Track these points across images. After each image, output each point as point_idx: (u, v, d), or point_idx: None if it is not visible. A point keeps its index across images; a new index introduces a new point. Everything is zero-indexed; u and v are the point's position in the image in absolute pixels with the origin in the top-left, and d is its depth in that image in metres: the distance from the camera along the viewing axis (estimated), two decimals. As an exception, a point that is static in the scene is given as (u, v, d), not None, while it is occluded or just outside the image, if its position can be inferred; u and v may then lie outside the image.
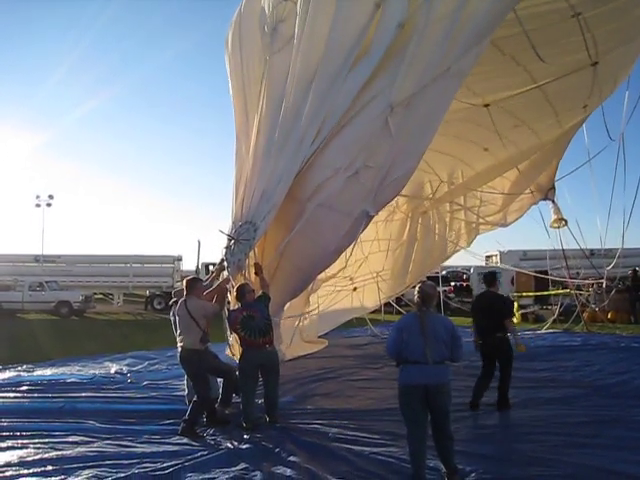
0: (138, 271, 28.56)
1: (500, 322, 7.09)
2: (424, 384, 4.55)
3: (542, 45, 7.32)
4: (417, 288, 4.89)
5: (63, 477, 4.81)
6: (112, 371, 9.83)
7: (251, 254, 7.06)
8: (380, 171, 6.45)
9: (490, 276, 7.65)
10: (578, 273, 16.72)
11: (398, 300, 17.68)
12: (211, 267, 17.55)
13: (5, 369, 9.96)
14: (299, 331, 10.62)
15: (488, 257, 28.23)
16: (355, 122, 6.60)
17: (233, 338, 7.27)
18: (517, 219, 14.59)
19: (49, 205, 37.04)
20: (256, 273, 7.01)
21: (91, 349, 12.70)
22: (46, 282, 24.36)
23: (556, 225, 14.72)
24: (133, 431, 6.21)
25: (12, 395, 7.84)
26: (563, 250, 15.17)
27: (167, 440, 5.89)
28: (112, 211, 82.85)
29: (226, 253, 7.11)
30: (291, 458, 5.28)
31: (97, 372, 9.71)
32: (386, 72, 6.45)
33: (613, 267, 15.06)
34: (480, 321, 7.31)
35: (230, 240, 7.08)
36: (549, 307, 19.60)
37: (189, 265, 30.41)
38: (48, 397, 7.69)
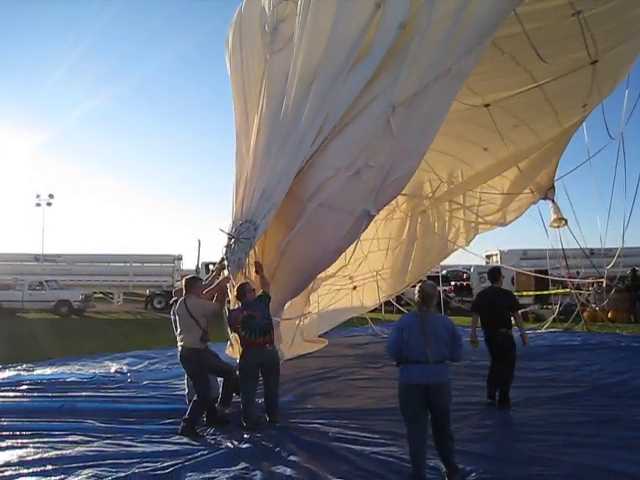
0: (138, 270, 28.58)
1: (504, 318, 7.17)
2: (424, 383, 4.55)
3: (542, 45, 7.30)
4: (417, 287, 4.89)
5: (63, 477, 4.80)
6: (112, 370, 9.82)
7: (251, 253, 7.06)
8: (381, 171, 6.44)
9: (495, 272, 7.73)
10: (578, 272, 16.73)
11: (398, 299, 17.70)
12: (211, 266, 17.52)
13: (5, 368, 9.96)
14: (299, 330, 10.62)
15: (488, 256, 28.25)
16: (357, 122, 6.59)
17: (233, 337, 7.27)
18: (516, 218, 14.62)
19: (49, 204, 37.16)
20: (256, 271, 7.01)
21: (91, 348, 12.70)
22: (46, 281, 24.38)
23: (556, 224, 14.74)
24: (133, 430, 6.20)
25: (12, 394, 7.84)
26: (563, 249, 15.18)
27: (167, 439, 5.89)
28: (112, 211, 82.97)
29: (226, 252, 7.10)
30: (291, 457, 5.28)
31: (97, 371, 9.70)
32: (388, 72, 6.44)
33: (613, 266, 15.06)
34: (485, 316, 7.33)
35: (230, 239, 7.07)
36: (549, 306, 19.61)
37: (189, 264, 30.44)
38: (48, 396, 7.69)
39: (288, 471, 4.94)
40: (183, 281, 6.77)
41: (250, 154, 7.55)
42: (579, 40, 7.89)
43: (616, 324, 16.23)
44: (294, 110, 6.97)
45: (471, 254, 16.19)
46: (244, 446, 5.68)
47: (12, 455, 5.37)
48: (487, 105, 9.79)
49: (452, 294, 24.80)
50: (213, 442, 5.84)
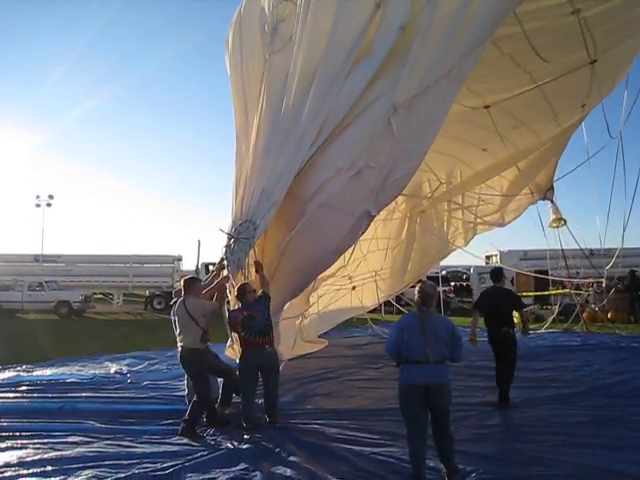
0: (138, 271, 28.55)
1: (507, 317, 7.25)
2: (424, 384, 4.55)
3: (542, 45, 7.32)
4: (417, 288, 4.89)
5: (63, 477, 4.80)
6: (112, 371, 9.82)
7: (251, 253, 7.06)
8: (382, 171, 6.45)
9: (497, 272, 7.83)
10: (578, 273, 16.73)
11: (398, 299, 17.70)
12: (211, 267, 17.54)
13: (5, 369, 9.95)
14: (299, 331, 10.62)
15: (488, 257, 28.25)
16: (358, 122, 6.59)
17: (233, 338, 7.27)
18: (515, 219, 14.64)
19: (49, 205, 37.16)
20: (256, 271, 7.02)
21: (91, 349, 12.68)
22: (46, 282, 24.35)
23: (555, 225, 14.75)
24: (133, 431, 6.20)
25: (12, 395, 7.84)
26: (562, 250, 15.18)
27: (167, 440, 5.89)
28: (112, 211, 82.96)
29: (226, 252, 7.11)
30: (291, 458, 5.28)
31: (97, 372, 9.70)
32: (389, 74, 6.44)
33: (613, 267, 15.07)
34: (488, 316, 7.39)
35: (230, 239, 7.08)
36: (549, 307, 19.62)
37: (189, 265, 30.45)
38: (48, 397, 7.69)
39: (288, 472, 4.94)
40: (182, 282, 6.78)
41: (250, 154, 7.56)
42: (579, 40, 7.88)
43: (616, 324, 16.23)
44: (294, 109, 6.98)
45: (471, 255, 16.15)
46: (244, 447, 5.68)
47: (12, 456, 5.37)
48: (487, 107, 9.80)
49: (452, 295, 24.82)
50: (213, 443, 5.84)
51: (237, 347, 7.04)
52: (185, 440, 5.89)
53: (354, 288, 13.72)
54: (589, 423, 6.37)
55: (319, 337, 12.86)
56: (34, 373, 9.72)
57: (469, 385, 8.25)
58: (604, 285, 16.24)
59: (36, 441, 5.79)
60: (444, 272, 26.41)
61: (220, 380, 7.06)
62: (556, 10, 7.21)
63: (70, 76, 68.84)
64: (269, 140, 7.23)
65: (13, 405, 7.38)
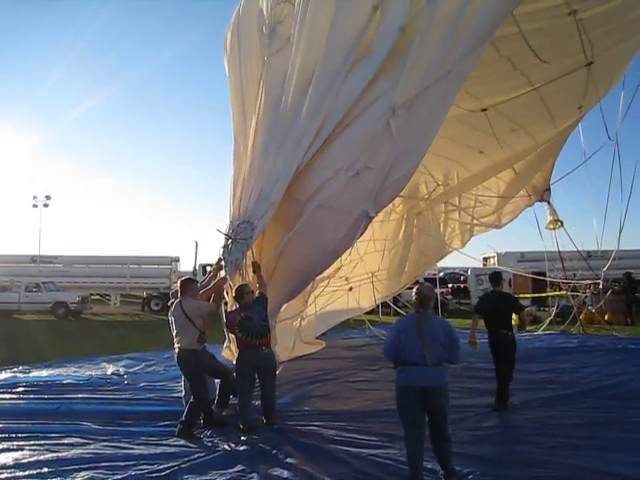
0: (135, 272, 28.53)
1: (506, 320, 7.33)
2: (422, 386, 4.55)
3: (539, 47, 7.33)
4: (415, 290, 4.90)
5: (59, 479, 4.78)
6: (109, 372, 9.79)
7: (249, 254, 7.06)
8: (381, 172, 6.46)
9: (496, 276, 7.91)
10: (575, 274, 16.77)
11: (395, 301, 17.70)
12: (209, 268, 17.53)
13: (1, 370, 9.90)
14: (298, 332, 10.62)
15: (486, 259, 28.28)
16: (357, 123, 6.60)
17: (230, 339, 7.26)
18: (511, 220, 14.70)
19: (46, 206, 37.11)
20: (254, 271, 7.01)
21: (88, 350, 12.65)
22: (43, 283, 24.32)
23: (552, 226, 14.78)
24: (130, 433, 6.19)
25: (8, 396, 7.81)
26: (559, 252, 15.21)
27: (164, 442, 5.88)
28: (110, 211, 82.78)
29: (223, 252, 7.10)
30: (288, 460, 5.28)
31: (94, 373, 9.66)
32: (388, 75, 6.45)
33: (609, 269, 15.11)
34: (488, 319, 7.44)
35: (227, 239, 7.08)
36: (546, 309, 19.64)
37: (187, 266, 30.39)
38: (44, 398, 7.66)
39: (285, 473, 4.93)
40: (178, 283, 6.77)
41: (248, 154, 7.56)
42: (576, 42, 7.92)
43: (613, 326, 16.27)
44: (292, 110, 6.98)
45: (468, 257, 16.20)
46: (241, 448, 5.66)
47: (8, 457, 5.35)
48: (484, 109, 9.83)
49: (449, 296, 24.84)
50: (210, 444, 5.83)
51: (234, 348, 7.03)
52: (182, 442, 5.87)
53: (351, 289, 13.74)
54: (586, 425, 6.38)
55: (317, 338, 12.87)
56: (31, 374, 9.68)
57: (467, 387, 8.25)
58: (601, 287, 16.26)
59: (32, 442, 5.77)
60: (441, 274, 26.42)
61: (217, 381, 7.05)
62: (553, 12, 7.25)
63: (68, 76, 68.73)
64: (267, 141, 7.23)
65: (9, 406, 7.35)
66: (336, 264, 9.88)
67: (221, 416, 6.76)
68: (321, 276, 10.66)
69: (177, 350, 6.47)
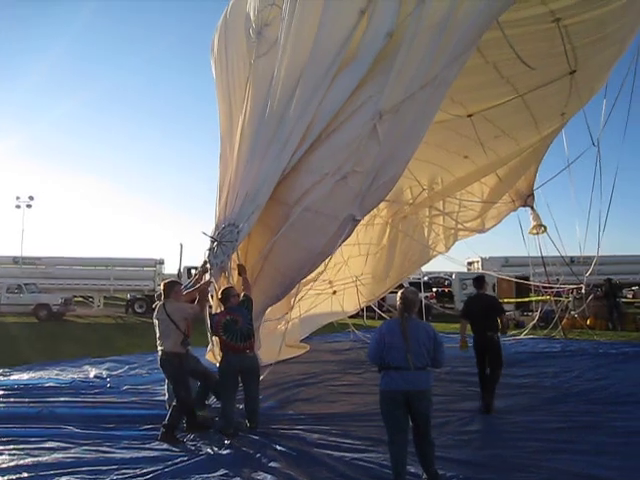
0: (119, 274, 28.25)
1: (491, 321, 7.42)
2: (405, 390, 4.56)
3: (524, 55, 7.41)
4: (399, 294, 4.91)
5: (39, 484, 4.73)
6: (91, 375, 9.69)
7: (234, 256, 7.04)
8: (368, 176, 6.49)
9: (480, 279, 8.11)
10: (558, 280, 16.93)
11: (380, 305, 17.75)
12: (193, 270, 17.44)
13: (-19, 373, 9.78)
14: (283, 336, 10.58)
15: (470, 263, 28.46)
16: (344, 128, 6.62)
17: (214, 342, 7.22)
18: (495, 225, 14.82)
19: (29, 206, 36.55)
20: (239, 274, 6.99)
21: (70, 353, 12.52)
22: (24, 284, 24.00)
23: (535, 232, 14.91)
24: (112, 436, 6.12)
25: (-12, 400, 7.69)
26: (542, 257, 15.35)
27: (147, 446, 5.82)
28: (94, 213, 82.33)
29: (209, 255, 7.08)
30: (272, 464, 5.26)
31: (76, 376, 9.57)
32: (375, 79, 6.48)
33: (591, 274, 15.27)
34: (474, 322, 7.52)
35: (213, 242, 7.05)
36: (530, 313, 19.80)
37: (171, 269, 30.25)
38: (25, 402, 7.54)
39: (268, 477, 4.92)
40: (162, 285, 6.73)
41: (234, 157, 7.54)
42: (559, 50, 8.02)
43: (595, 331, 16.45)
44: (278, 113, 6.99)
45: (453, 261, 16.32)
46: (224, 452, 5.64)
47: (-13, 462, 5.27)
48: (470, 115, 9.93)
49: (433, 300, 24.96)
50: (193, 448, 5.79)
51: (217, 351, 6.99)
52: (165, 445, 5.83)
53: (335, 293, 13.75)
54: (568, 429, 6.43)
55: (301, 342, 12.85)
56: (11, 377, 9.56)
57: (450, 391, 8.29)
58: (583, 292, 16.44)
59: (12, 447, 5.68)
60: (426, 278, 26.56)
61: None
62: (537, 19, 7.33)
63: (51, 78, 67.99)
64: (253, 144, 7.22)
65: (-11, 410, 7.23)
66: (319, 268, 9.88)
67: (204, 420, 6.70)
68: (305, 280, 10.67)
69: (160, 353, 6.41)
